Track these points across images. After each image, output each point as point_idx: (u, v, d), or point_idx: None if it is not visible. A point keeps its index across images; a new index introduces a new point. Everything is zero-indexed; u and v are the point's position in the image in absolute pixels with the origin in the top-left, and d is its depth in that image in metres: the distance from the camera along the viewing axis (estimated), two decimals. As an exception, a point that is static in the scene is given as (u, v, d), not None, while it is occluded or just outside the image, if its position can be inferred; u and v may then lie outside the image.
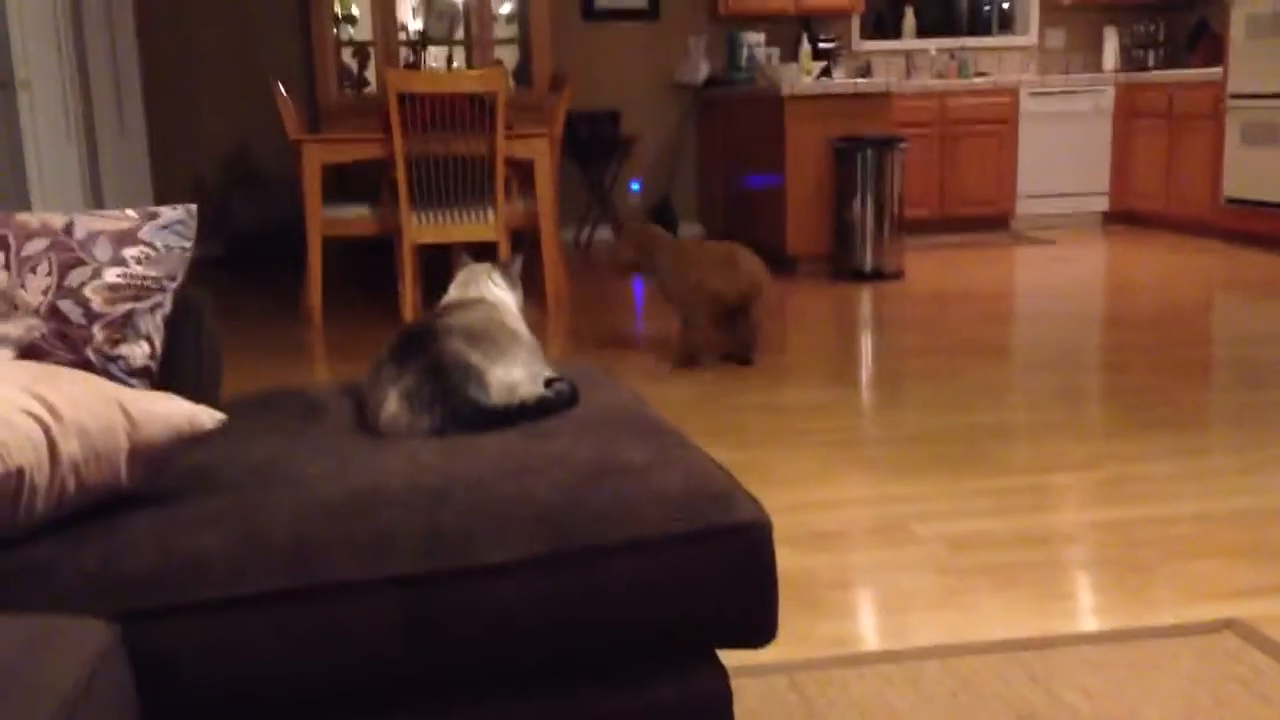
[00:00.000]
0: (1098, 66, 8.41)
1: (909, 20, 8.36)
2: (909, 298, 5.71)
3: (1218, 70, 7.05)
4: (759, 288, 4.27)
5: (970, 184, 7.72)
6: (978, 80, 7.82)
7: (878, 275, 6.20)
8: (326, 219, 5.35)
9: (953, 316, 5.19)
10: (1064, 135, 7.83)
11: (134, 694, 1.17)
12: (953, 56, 8.26)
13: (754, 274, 4.27)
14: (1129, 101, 7.84)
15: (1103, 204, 8.00)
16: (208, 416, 1.45)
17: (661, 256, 4.28)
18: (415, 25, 7.80)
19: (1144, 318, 5.02)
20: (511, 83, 7.38)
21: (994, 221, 7.88)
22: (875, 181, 6.12)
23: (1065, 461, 3.14)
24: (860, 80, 6.75)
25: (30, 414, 1.29)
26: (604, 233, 8.16)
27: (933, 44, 8.34)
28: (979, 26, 8.60)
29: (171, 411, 1.42)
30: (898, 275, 6.25)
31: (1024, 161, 7.78)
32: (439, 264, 5.86)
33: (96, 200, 5.80)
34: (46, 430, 1.29)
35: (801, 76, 7.00)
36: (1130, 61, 8.39)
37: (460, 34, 7.89)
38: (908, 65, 8.34)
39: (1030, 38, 8.45)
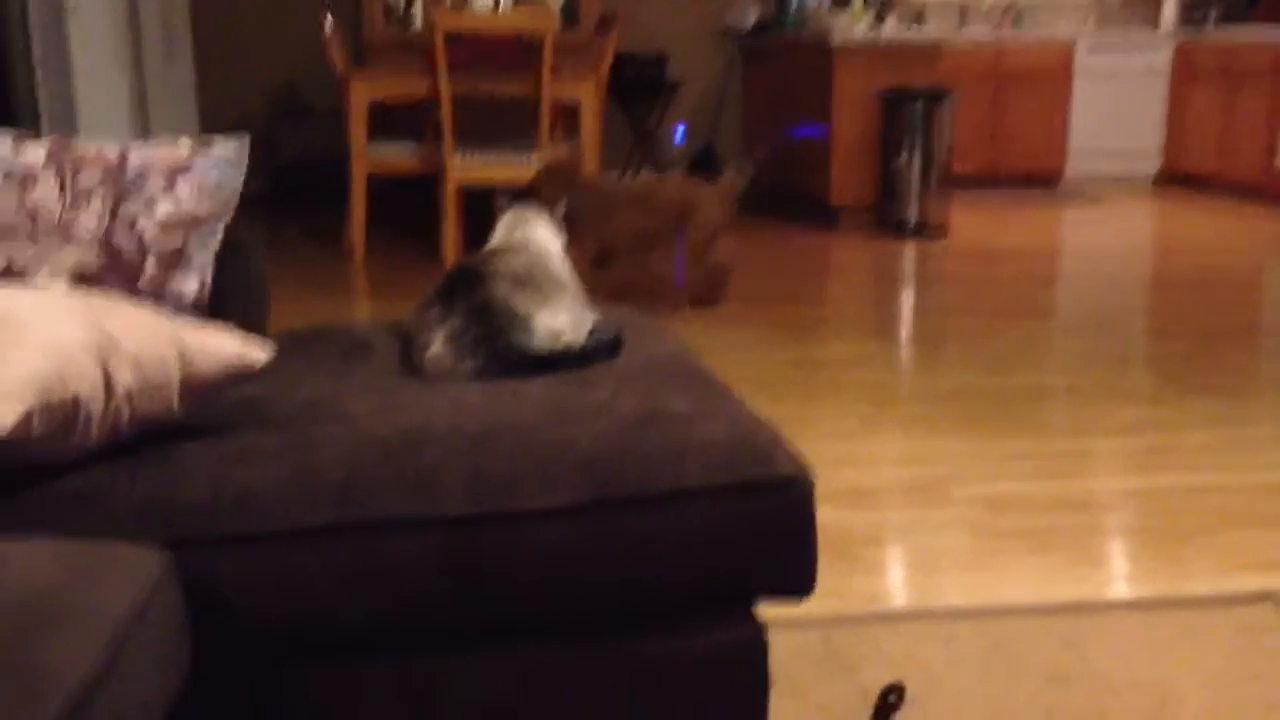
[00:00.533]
0: (1156, 23, 8.22)
1: (964, -30, 8.20)
2: (953, 253, 5.66)
3: (1279, 29, 6.88)
4: (684, 214, 4.15)
5: (1020, 139, 7.59)
6: (1032, 33, 7.67)
7: (922, 230, 6.14)
8: (371, 156, 5.35)
9: (996, 274, 5.14)
10: (1118, 93, 7.68)
11: (185, 622, 1.19)
12: (1007, 9, 8.10)
13: (675, 202, 4.16)
14: (1186, 60, 7.67)
15: (1154, 164, 7.86)
16: (258, 351, 1.47)
17: (578, 198, 4.22)
18: (464, -39, 7.73)
19: (1190, 281, 4.95)
20: (559, 23, 7.31)
21: (1043, 179, 7.77)
22: (923, 134, 6.04)
23: (1105, 426, 3.12)
24: (911, 31, 6.64)
25: (87, 344, 1.31)
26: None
27: (988, -5, 8.18)
28: (1036, -21, 8.42)
29: (223, 345, 1.44)
30: (942, 230, 6.18)
31: (1076, 118, 7.65)
32: (480, 205, 5.86)
33: (143, 128, 5.82)
34: (102, 360, 1.31)
35: (853, 25, 6.90)
36: (1189, 18, 8.19)
37: (509, -29, 7.81)
38: (961, 16, 8.19)
39: (1088, -8, 8.27)
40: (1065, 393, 3.42)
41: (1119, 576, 2.28)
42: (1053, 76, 7.57)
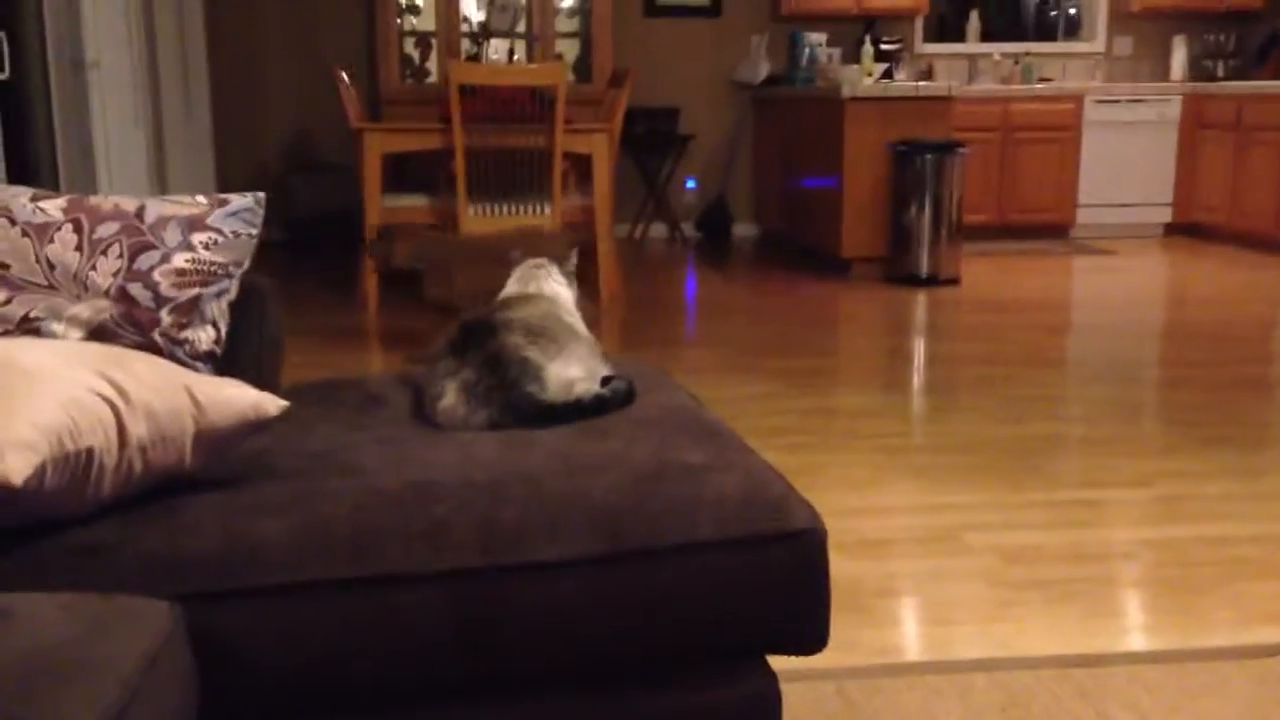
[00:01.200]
0: (1165, 76, 8.28)
1: (973, 23, 8.28)
2: (964, 304, 5.66)
3: (1289, 83, 6.91)
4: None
5: (1031, 191, 7.63)
6: (1042, 86, 7.73)
7: (933, 281, 6.15)
8: (384, 207, 5.40)
9: (1008, 325, 5.14)
10: (1128, 144, 7.71)
11: (194, 675, 1.18)
12: (1017, 62, 8.17)
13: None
14: (1196, 112, 7.71)
15: (1165, 215, 7.87)
16: (272, 404, 1.47)
17: (422, 252, 4.19)
18: (477, 17, 7.84)
19: (1204, 332, 4.94)
20: (571, 77, 7.40)
21: (1054, 230, 7.79)
22: (934, 186, 6.07)
23: (1120, 477, 3.10)
24: (922, 83, 6.69)
25: (100, 395, 1.31)
26: (659, 229, 8.16)
27: (997, 48, 8.25)
28: (1045, 32, 8.50)
29: (237, 397, 1.44)
30: (954, 281, 6.19)
31: (1086, 170, 7.68)
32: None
33: (161, 183, 5.89)
34: (116, 412, 1.32)
35: (862, 78, 6.96)
36: (1199, 72, 8.25)
37: (522, 27, 7.91)
38: (971, 69, 8.26)
39: (1097, 45, 8.34)
40: (1079, 443, 3.41)
41: (1136, 628, 2.25)
42: (1062, 128, 7.61)
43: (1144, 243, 7.73)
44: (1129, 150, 7.72)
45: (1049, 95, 7.62)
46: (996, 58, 8.21)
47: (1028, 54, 8.24)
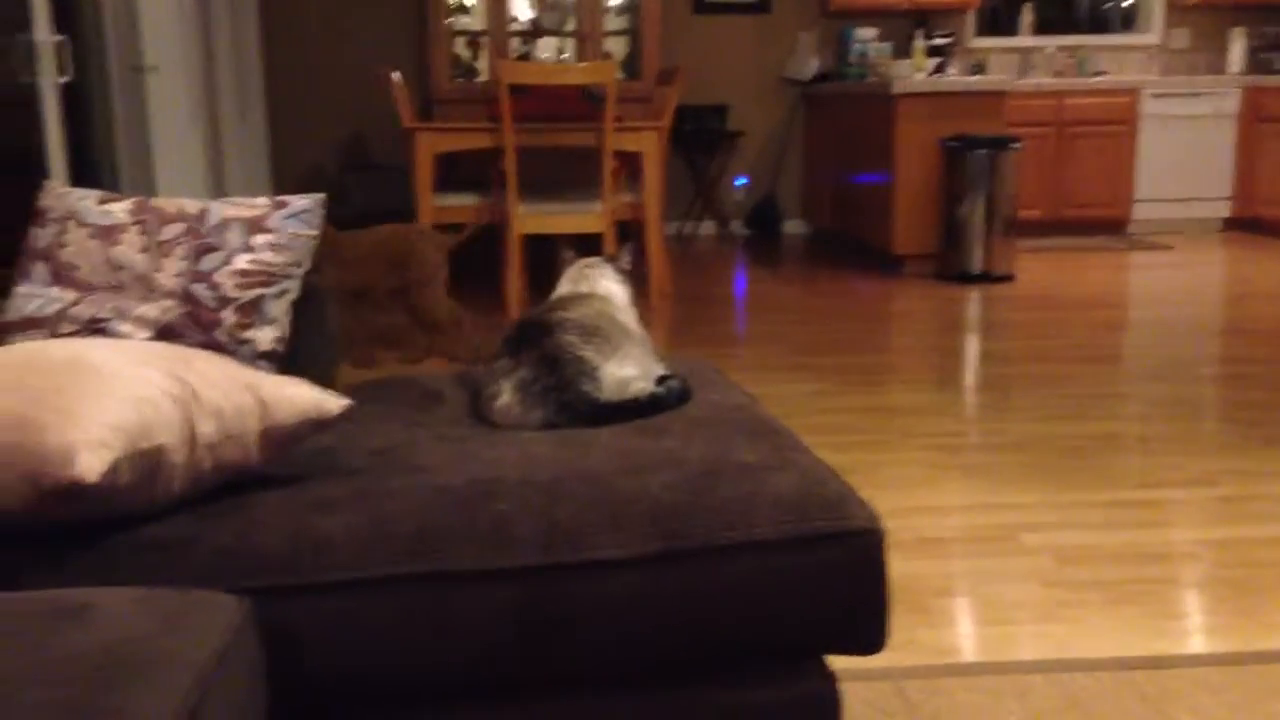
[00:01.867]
0: (1222, 68, 8.15)
1: (1026, 17, 8.19)
2: (1018, 301, 5.61)
3: (1352, 74, 6.78)
4: (396, 266, 3.79)
5: (1086, 186, 7.54)
6: (1096, 80, 7.63)
7: (986, 277, 6.10)
8: (436, 206, 5.44)
9: (1063, 321, 5.08)
10: (1185, 138, 7.60)
11: (263, 669, 1.21)
12: (1071, 55, 8.08)
13: (386, 255, 3.79)
14: (1255, 104, 7.58)
15: (1224, 210, 7.75)
16: (334, 402, 1.49)
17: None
18: (527, 16, 7.87)
19: (1264, 329, 4.86)
20: (621, 75, 7.41)
21: (1109, 225, 7.69)
22: (987, 182, 6.02)
23: (1180, 476, 3.06)
24: (974, 78, 6.63)
25: (170, 394, 1.34)
26: (708, 227, 8.15)
27: (1050, 42, 8.16)
28: (1099, 24, 8.39)
29: (300, 396, 1.47)
30: (1007, 278, 6.13)
31: (1142, 164, 7.58)
32: (543, 255, 5.92)
33: (217, 184, 5.97)
34: (185, 410, 1.34)
35: (914, 73, 6.91)
36: (1257, 64, 8.11)
37: (571, 25, 7.94)
38: (1023, 63, 8.18)
39: (1153, 37, 8.22)
40: (1138, 441, 3.36)
41: (1198, 630, 2.22)
42: (1118, 122, 7.51)
43: (1202, 238, 7.61)
44: (1186, 144, 7.61)
45: (1104, 89, 7.52)
46: (1050, 51, 8.11)
47: (1082, 47, 8.14)
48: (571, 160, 5.24)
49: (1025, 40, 8.19)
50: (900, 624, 2.20)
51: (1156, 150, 7.58)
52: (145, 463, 1.27)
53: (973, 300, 5.65)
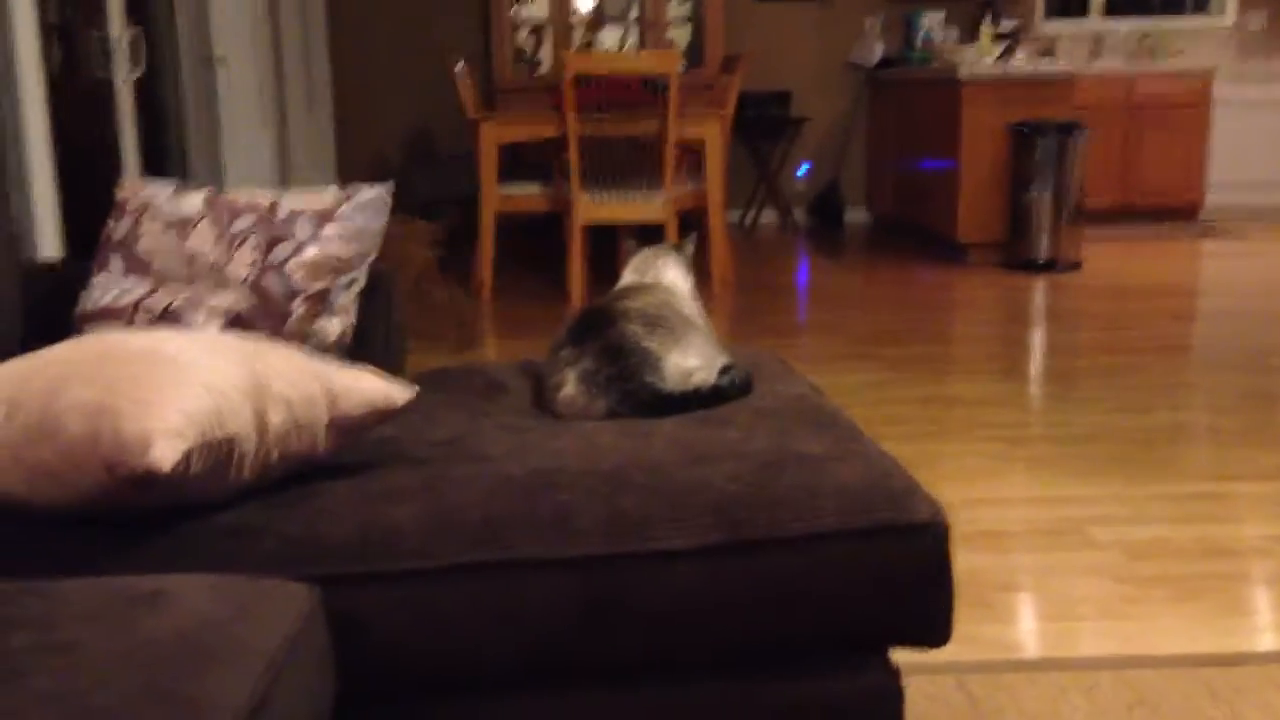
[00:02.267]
0: (1301, 51, 7.94)
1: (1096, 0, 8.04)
2: (1086, 290, 5.52)
3: None
4: (383, 256, 3.81)
5: (1156, 172, 7.39)
6: (1168, 63, 7.47)
7: (1053, 266, 6.01)
8: (500, 196, 5.47)
9: (1132, 311, 4.99)
10: (1260, 123, 7.42)
11: (332, 656, 1.23)
12: (1142, 38, 7.92)
13: None
14: (1334, 88, 7.38)
15: (1300, 196, 7.56)
16: (400, 392, 1.51)
17: None
18: (589, 5, 7.88)
19: (1343, 319, 4.74)
20: (683, 63, 7.39)
21: (1180, 212, 7.53)
22: (1054, 168, 5.93)
23: (1252, 469, 3.00)
24: (1042, 63, 6.53)
25: (241, 385, 1.37)
26: (770, 215, 8.12)
27: (1121, 25, 8.00)
28: (1172, 6, 8.20)
29: (367, 386, 1.49)
30: (1075, 266, 6.04)
31: (1216, 150, 7.41)
32: (605, 244, 5.93)
33: (284, 174, 6.06)
34: (255, 400, 1.37)
35: (980, 58, 6.81)
36: (1337, 45, 7.89)
37: (633, 13, 7.93)
38: (1093, 47, 8.03)
39: (1227, 19, 8.03)
40: (1208, 433, 3.30)
41: (1270, 627, 2.18)
42: (1190, 106, 7.35)
43: (1277, 225, 7.43)
44: (1261, 129, 7.43)
45: (1176, 73, 7.36)
46: (1121, 34, 7.96)
47: (1154, 30, 7.97)
48: (634, 150, 5.23)
49: (1095, 23, 8.04)
50: (963, 618, 2.18)
51: (1230, 136, 7.41)
52: (217, 452, 1.29)
53: (1038, 289, 5.57)
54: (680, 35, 7.97)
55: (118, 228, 1.86)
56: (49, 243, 3.29)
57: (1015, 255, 6.11)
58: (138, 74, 4.17)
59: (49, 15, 3.59)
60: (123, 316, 1.79)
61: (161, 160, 4.66)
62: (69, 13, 3.88)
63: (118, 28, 4.06)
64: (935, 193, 6.64)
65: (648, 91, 5.18)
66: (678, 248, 2.19)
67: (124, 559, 1.29)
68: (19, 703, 0.92)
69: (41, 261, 2.23)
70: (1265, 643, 2.12)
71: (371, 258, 1.93)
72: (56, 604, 1.09)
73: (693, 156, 5.65)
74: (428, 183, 7.66)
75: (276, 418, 1.39)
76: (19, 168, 3.22)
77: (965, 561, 2.44)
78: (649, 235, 5.25)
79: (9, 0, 3.14)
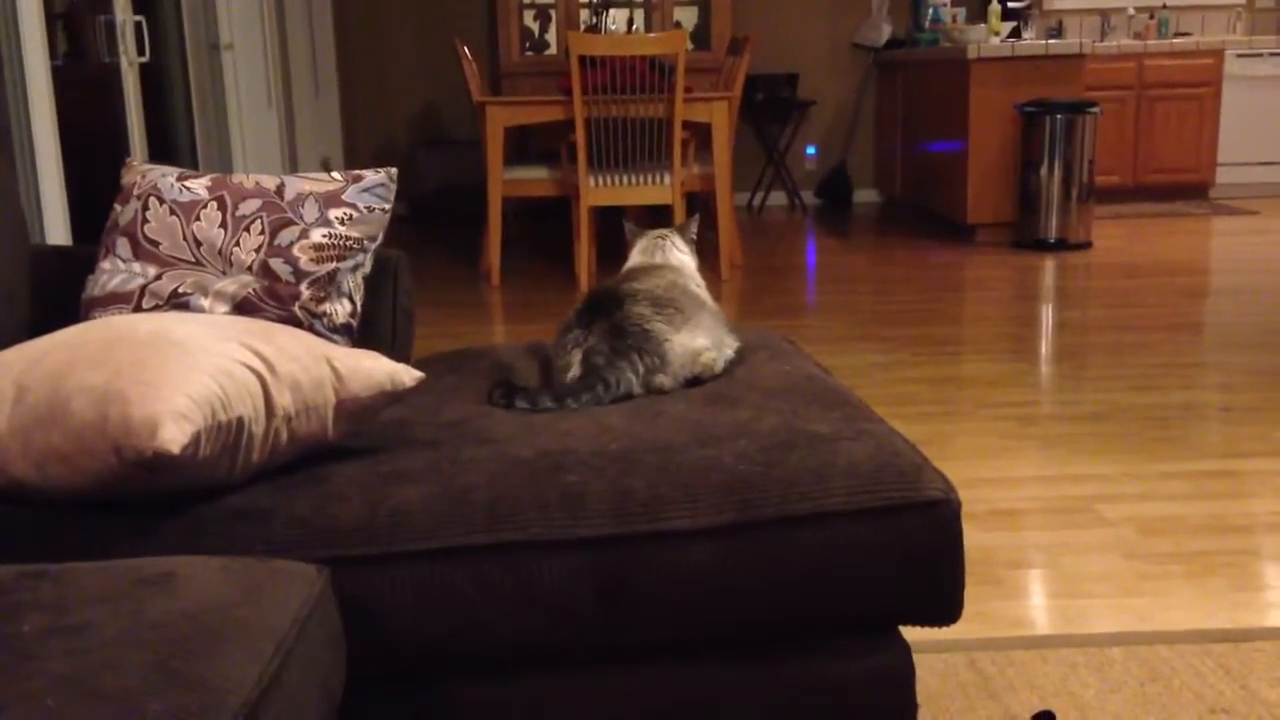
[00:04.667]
0: (1312, 26, 7.88)
1: (1105, -22, 7.99)
2: (1096, 269, 5.50)
3: None
4: None
5: (1167, 150, 7.35)
6: (1178, 41, 7.42)
7: (1063, 245, 5.99)
8: (506, 180, 5.46)
9: (1143, 290, 4.97)
10: (1271, 100, 7.37)
11: (343, 638, 1.23)
12: (1152, 15, 7.86)
13: None
14: (1346, 64, 7.32)
15: (1311, 173, 7.51)
16: (408, 375, 1.51)
17: None
18: (595, -13, 7.84)
19: (1356, 296, 4.71)
20: (690, 45, 7.36)
21: (1191, 190, 7.50)
22: (1064, 147, 5.90)
23: (1264, 447, 2.99)
24: (1051, 41, 6.48)
25: (248, 367, 1.37)
26: (778, 197, 8.09)
27: (1130, 2, 7.94)
28: (1181, -16, 8.14)
29: (375, 368, 1.49)
30: (1085, 245, 6.01)
31: (1226, 127, 7.36)
32: (613, 227, 5.92)
33: (291, 159, 6.05)
34: (263, 383, 1.37)
35: (989, 37, 6.77)
36: (1349, 20, 7.83)
37: (640, -4, 7.90)
38: (1103, 25, 7.98)
39: (1238, -5, 7.97)
40: (1220, 411, 3.29)
41: (1283, 604, 2.17)
42: (1201, 84, 7.31)
43: (1289, 202, 7.39)
44: (1272, 106, 7.38)
45: (1186, 50, 7.32)
46: (1130, 12, 7.91)
47: (1163, 7, 7.92)
48: (641, 132, 5.22)
49: (1104, 1, 7.98)
50: (973, 596, 2.18)
51: (1241, 113, 7.37)
52: (225, 434, 1.29)
53: (1048, 269, 5.55)
54: (687, 17, 7.93)
55: (124, 212, 1.86)
56: (56, 228, 3.30)
57: (1025, 235, 6.09)
58: (144, 59, 4.16)
59: (55, 1, 3.58)
60: (130, 301, 1.79)
61: (168, 146, 4.66)
62: (74, -1, 3.87)
63: (123, 14, 4.05)
64: (944, 173, 6.62)
65: (655, 74, 5.16)
66: (681, 228, 2.18)
67: (134, 542, 1.29)
68: (31, 685, 0.92)
69: (49, 246, 2.23)
70: (1277, 618, 2.11)
71: (379, 241, 1.93)
72: (68, 587, 1.09)
73: (701, 139, 5.63)
74: (436, 167, 7.66)
75: (285, 400, 1.39)
76: (26, 153, 3.22)
77: (976, 540, 2.44)
78: (656, 218, 5.24)
79: (14, -13, 3.13)
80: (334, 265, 1.83)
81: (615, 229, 5.88)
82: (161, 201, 1.84)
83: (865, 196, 8.17)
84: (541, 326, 4.37)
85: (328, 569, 1.24)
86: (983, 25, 7.06)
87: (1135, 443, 3.04)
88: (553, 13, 7.76)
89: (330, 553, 1.28)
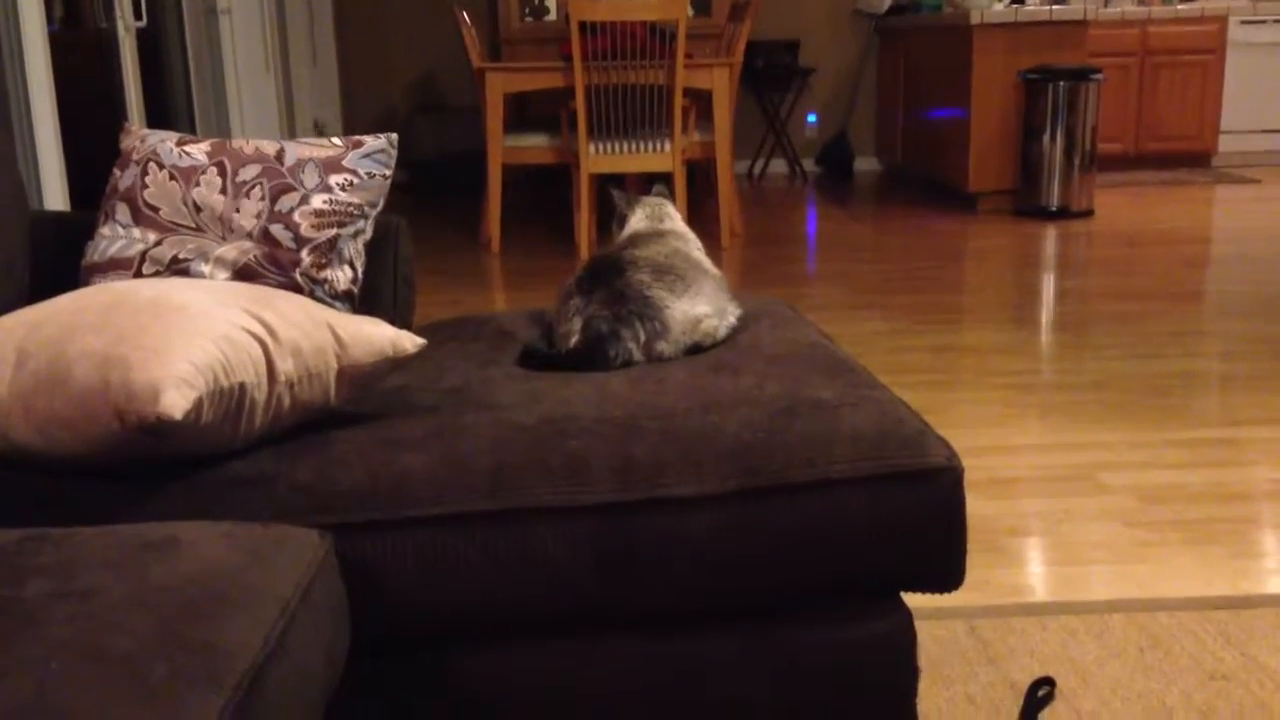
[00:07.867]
0: (1317, -8, 7.82)
1: (1109, -57, 7.92)
2: (1098, 237, 5.48)
3: None
4: None
5: (1170, 118, 7.31)
6: (1182, 7, 7.37)
7: (1065, 213, 5.97)
8: (506, 147, 5.43)
9: (1144, 258, 4.96)
10: (1275, 68, 7.33)
11: (346, 604, 1.23)
12: (1156, -18, 7.80)
13: None
14: (1351, 31, 7.27)
15: (1315, 141, 7.48)
16: (410, 341, 1.51)
17: None
18: (595, -48, 7.78)
19: (1358, 265, 4.70)
20: (691, 11, 7.30)
21: (1194, 158, 7.47)
22: (1066, 115, 5.87)
23: (1264, 415, 2.99)
24: (1055, 7, 6.44)
25: (250, 333, 1.36)
26: (779, 165, 8.06)
27: (1134, -31, 7.88)
28: (1186, -50, 8.07)
29: (377, 335, 1.48)
30: (1087, 213, 6.00)
31: (1230, 95, 7.33)
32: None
33: (290, 125, 6.02)
34: (265, 349, 1.36)
35: (992, 3, 6.73)
36: (1355, -13, 7.77)
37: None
38: (1106, -8, 7.91)
39: (1243, -38, 7.91)
40: (1220, 379, 3.29)
41: (1282, 571, 2.18)
42: (1204, 51, 7.26)
43: (1291, 171, 7.36)
44: (1276, 74, 7.34)
45: (1190, 16, 7.27)
46: (1134, -21, 7.84)
47: (1168, -26, 7.85)
48: (642, 99, 5.19)
49: (1108, -33, 7.92)
50: (973, 563, 2.19)
51: (1244, 80, 7.33)
52: (227, 400, 1.29)
53: (1050, 237, 5.54)
54: (687, -18, 7.86)
55: (123, 177, 1.85)
56: (54, 194, 3.28)
57: (1027, 203, 6.07)
58: (140, 24, 4.13)
59: (50, -34, 3.55)
60: (130, 267, 1.78)
61: (166, 111, 4.63)
62: (70, -37, 3.84)
63: (119, -22, 4.02)
64: (946, 141, 6.58)
65: (655, 40, 5.12)
66: (660, 188, 2.19)
67: (138, 507, 1.29)
68: (34, 649, 0.92)
69: (47, 212, 2.21)
70: (1276, 585, 2.12)
71: (379, 207, 1.92)
72: (72, 552, 1.09)
73: (701, 106, 5.60)
74: (435, 134, 7.62)
75: (286, 366, 1.38)
76: (23, 119, 3.20)
77: (977, 507, 2.44)
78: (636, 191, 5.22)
79: (9, -50, 3.10)
80: (335, 231, 1.82)
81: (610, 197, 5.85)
82: (161, 166, 1.83)
83: (866, 164, 8.14)
84: (542, 294, 4.37)
85: (330, 535, 1.24)
86: (986, -9, 7.01)
87: (1136, 411, 3.04)
88: (552, -22, 7.70)
89: (333, 519, 1.28)
